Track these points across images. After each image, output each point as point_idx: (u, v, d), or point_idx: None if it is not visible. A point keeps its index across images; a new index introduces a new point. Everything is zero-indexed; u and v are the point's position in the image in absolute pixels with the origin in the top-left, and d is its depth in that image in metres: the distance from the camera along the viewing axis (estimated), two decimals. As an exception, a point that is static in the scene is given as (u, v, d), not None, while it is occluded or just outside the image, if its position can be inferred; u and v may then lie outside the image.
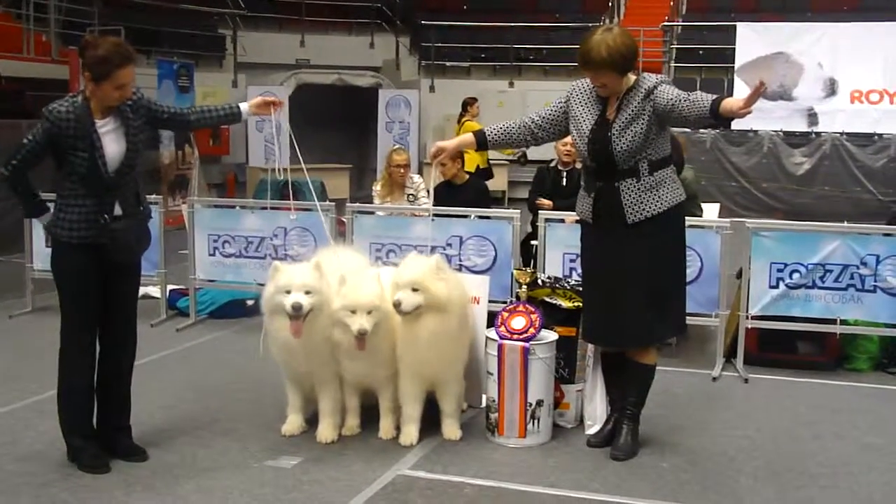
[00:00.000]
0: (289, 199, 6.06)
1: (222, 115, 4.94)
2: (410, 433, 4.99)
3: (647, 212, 4.65)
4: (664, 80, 4.66)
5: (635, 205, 4.66)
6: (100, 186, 4.45)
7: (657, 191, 4.67)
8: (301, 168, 5.51)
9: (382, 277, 4.94)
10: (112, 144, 4.45)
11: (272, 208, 7.45)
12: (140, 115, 4.57)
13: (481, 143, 5.04)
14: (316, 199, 5.71)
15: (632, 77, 4.68)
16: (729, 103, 4.26)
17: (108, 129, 4.45)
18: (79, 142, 4.37)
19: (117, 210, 4.52)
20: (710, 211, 8.06)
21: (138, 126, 4.55)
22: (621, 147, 4.61)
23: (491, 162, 13.27)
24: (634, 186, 4.66)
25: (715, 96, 4.37)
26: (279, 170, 5.19)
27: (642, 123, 4.58)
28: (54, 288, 4.63)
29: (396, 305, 4.72)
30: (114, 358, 4.70)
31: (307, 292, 4.72)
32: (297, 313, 4.70)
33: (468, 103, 13.80)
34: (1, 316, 7.99)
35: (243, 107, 4.93)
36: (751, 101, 4.18)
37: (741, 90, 16.29)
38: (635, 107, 4.59)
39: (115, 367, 4.71)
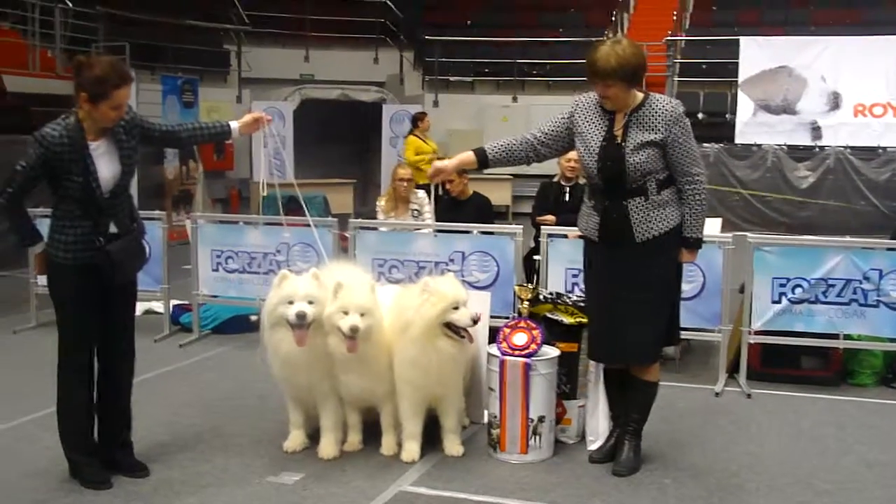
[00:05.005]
0: (292, 215, 6.08)
1: (213, 132, 4.97)
2: (412, 449, 4.99)
3: (655, 230, 4.65)
4: (683, 129, 4.61)
5: (644, 223, 4.65)
6: (95, 208, 4.44)
7: (664, 209, 4.66)
8: (291, 183, 5.52)
9: (381, 296, 4.97)
10: (106, 167, 4.44)
11: (267, 224, 7.45)
12: (133, 135, 4.56)
13: (482, 161, 4.96)
14: (308, 213, 5.72)
15: (639, 94, 4.67)
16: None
17: (102, 152, 4.44)
18: (73, 165, 4.35)
19: (112, 229, 4.52)
20: (713, 226, 8.02)
21: (132, 147, 4.55)
22: (634, 166, 4.59)
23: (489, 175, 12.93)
24: (643, 205, 4.65)
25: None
26: (262, 184, 5.23)
27: (657, 149, 4.59)
28: (56, 305, 4.63)
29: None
30: (113, 374, 4.71)
31: (310, 302, 4.75)
32: (301, 322, 4.72)
33: (418, 118, 13.48)
34: (5, 331, 8.01)
35: (234, 125, 4.95)
36: None
37: (745, 104, 16.38)
38: (651, 131, 4.58)
39: (115, 383, 4.72)
